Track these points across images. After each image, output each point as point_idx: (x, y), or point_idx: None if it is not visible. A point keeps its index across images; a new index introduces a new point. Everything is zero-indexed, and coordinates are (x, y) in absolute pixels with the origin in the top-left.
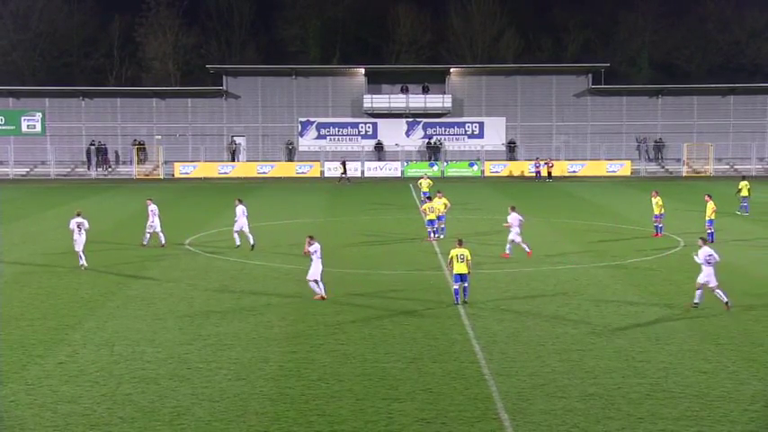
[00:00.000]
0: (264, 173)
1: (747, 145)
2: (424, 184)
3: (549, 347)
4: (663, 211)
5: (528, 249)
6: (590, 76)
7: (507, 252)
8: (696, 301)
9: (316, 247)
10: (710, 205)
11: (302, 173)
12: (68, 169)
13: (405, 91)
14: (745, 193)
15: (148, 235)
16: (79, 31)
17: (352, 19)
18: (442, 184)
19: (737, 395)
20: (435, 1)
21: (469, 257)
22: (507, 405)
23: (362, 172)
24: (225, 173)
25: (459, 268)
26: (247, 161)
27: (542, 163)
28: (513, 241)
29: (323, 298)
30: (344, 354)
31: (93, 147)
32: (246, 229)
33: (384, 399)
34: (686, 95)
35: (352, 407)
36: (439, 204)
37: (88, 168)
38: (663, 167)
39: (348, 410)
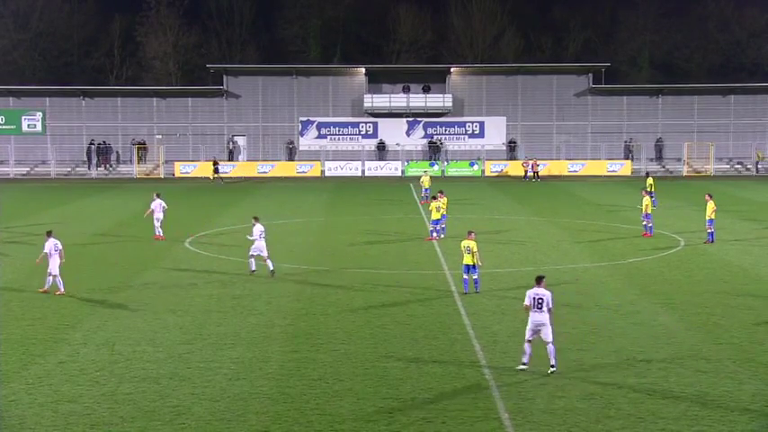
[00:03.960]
0: (265, 172)
1: (748, 144)
2: (426, 181)
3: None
4: (650, 210)
5: (161, 234)
6: (590, 75)
7: (159, 234)
8: (253, 268)
9: (50, 243)
10: (711, 205)
11: (302, 172)
12: (69, 169)
13: (405, 90)
14: (654, 189)
15: None
16: (80, 30)
17: (353, 18)
18: (442, 184)
19: (737, 395)
20: (436, 0)
21: (475, 249)
22: (508, 404)
23: (363, 171)
24: (225, 172)
25: (466, 259)
26: (248, 161)
27: (530, 163)
28: (159, 221)
29: (61, 293)
30: (345, 353)
31: (92, 146)
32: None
33: (385, 398)
34: (687, 95)
35: (353, 406)
36: (442, 203)
37: (89, 168)
38: (663, 167)
39: (348, 410)
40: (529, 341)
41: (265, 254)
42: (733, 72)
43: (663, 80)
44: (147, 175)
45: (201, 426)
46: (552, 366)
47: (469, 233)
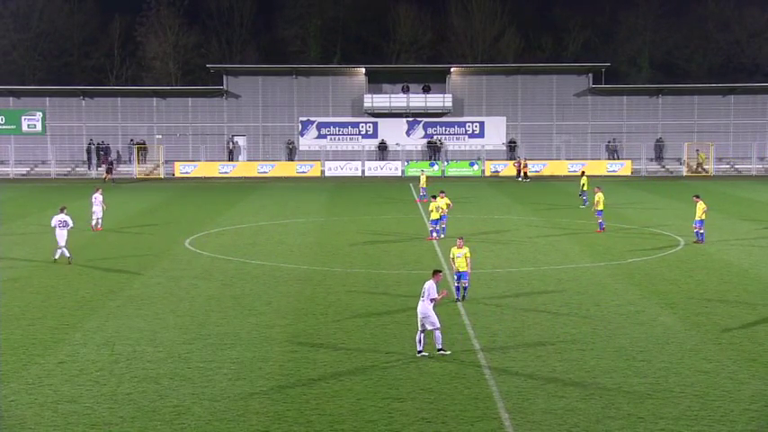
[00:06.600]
0: (265, 172)
1: (748, 144)
2: (423, 180)
3: (550, 347)
4: (602, 207)
5: (96, 226)
6: (590, 75)
7: (95, 226)
8: (56, 257)
9: None
10: (700, 205)
11: (302, 172)
12: (69, 169)
13: (405, 90)
14: (586, 188)
15: None
16: (80, 30)
17: (353, 18)
18: (442, 184)
19: (737, 395)
20: (436, 0)
21: (468, 254)
22: (507, 404)
23: (363, 171)
24: (225, 172)
25: (459, 265)
26: (248, 161)
27: (523, 163)
28: (96, 216)
29: None
30: (345, 353)
31: (92, 146)
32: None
33: (384, 398)
34: (687, 95)
35: (353, 406)
36: (442, 203)
37: (89, 168)
38: (663, 167)
39: (348, 410)
40: (421, 331)
41: (62, 243)
42: (733, 72)
43: (663, 80)
44: (147, 175)
45: (201, 426)
46: (440, 350)
47: (460, 239)
